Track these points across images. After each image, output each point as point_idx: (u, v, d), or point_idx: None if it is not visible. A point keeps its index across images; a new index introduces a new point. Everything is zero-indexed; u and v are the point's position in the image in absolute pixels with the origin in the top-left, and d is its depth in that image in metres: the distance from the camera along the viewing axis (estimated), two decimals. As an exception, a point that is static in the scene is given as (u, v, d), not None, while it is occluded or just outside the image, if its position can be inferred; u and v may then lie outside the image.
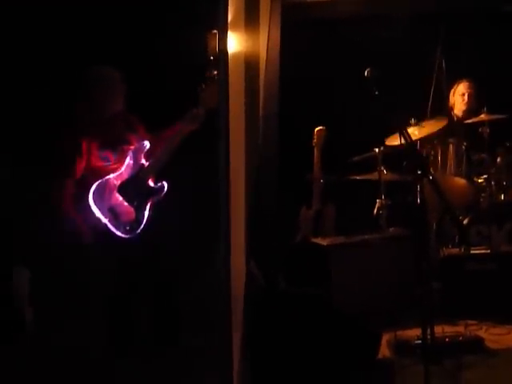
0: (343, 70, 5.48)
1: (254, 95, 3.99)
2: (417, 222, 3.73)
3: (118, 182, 3.99)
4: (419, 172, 3.63)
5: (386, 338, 4.10)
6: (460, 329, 4.35)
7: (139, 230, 3.98)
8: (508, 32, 5.66)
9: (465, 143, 5.35)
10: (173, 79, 4.81)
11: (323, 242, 5.01)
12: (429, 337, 3.59)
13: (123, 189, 4.00)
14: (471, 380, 3.69)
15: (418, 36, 5.67)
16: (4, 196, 4.75)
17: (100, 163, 3.96)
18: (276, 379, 3.59)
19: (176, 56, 4.77)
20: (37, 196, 4.48)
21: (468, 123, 5.45)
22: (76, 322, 4.44)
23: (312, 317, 3.79)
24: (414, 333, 4.04)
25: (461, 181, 5.31)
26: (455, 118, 5.71)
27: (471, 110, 5.62)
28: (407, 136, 3.65)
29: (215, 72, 3.86)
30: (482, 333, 4.33)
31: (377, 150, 5.25)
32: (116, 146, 4.02)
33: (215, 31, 3.43)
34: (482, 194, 5.27)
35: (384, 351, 4.06)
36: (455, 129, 5.52)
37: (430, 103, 5.57)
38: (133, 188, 4.03)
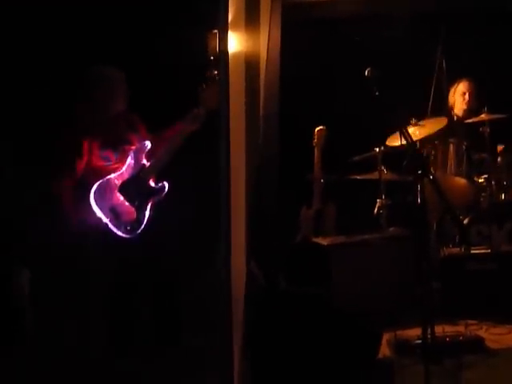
0: (344, 70, 5.48)
1: (254, 95, 3.99)
2: (417, 221, 3.73)
3: (119, 182, 3.99)
4: (420, 172, 3.62)
5: (386, 337, 4.10)
6: (460, 328, 4.35)
7: (140, 230, 3.97)
8: (508, 32, 5.65)
9: (465, 143, 5.35)
10: (173, 79, 4.81)
11: (324, 241, 5.01)
12: (429, 336, 3.59)
13: (124, 189, 4.00)
14: (471, 380, 3.69)
15: (419, 36, 5.67)
16: (4, 196, 4.74)
17: (101, 163, 3.96)
18: (277, 379, 3.59)
19: (176, 56, 4.76)
20: (37, 196, 4.48)
21: (468, 123, 5.45)
22: (76, 322, 4.43)
23: (312, 316, 3.79)
24: (414, 332, 4.04)
25: (461, 180, 5.31)
26: (455, 118, 5.71)
27: (472, 110, 5.61)
28: (408, 136, 3.65)
29: (215, 72, 3.86)
30: (482, 332, 4.33)
31: (377, 149, 5.25)
32: (117, 145, 4.02)
33: (216, 31, 3.43)
34: (483, 194, 5.26)
35: (384, 351, 4.06)
36: (456, 128, 5.52)
37: (430, 103, 5.57)
38: (134, 188, 4.03)
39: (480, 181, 5.29)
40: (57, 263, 4.59)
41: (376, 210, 5.30)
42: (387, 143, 5.13)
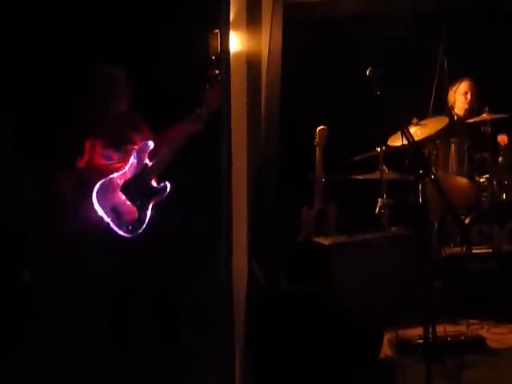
0: (345, 70, 5.48)
1: (255, 95, 3.98)
2: (419, 221, 3.74)
3: (121, 182, 4.00)
4: (421, 171, 3.63)
5: (387, 337, 4.10)
6: (462, 328, 4.35)
7: (141, 230, 3.98)
8: (510, 31, 5.65)
9: (467, 143, 5.35)
10: (174, 79, 4.81)
11: (325, 241, 5.01)
12: (430, 336, 3.60)
13: (126, 188, 4.00)
14: (473, 379, 3.69)
15: (420, 35, 5.66)
16: (4, 195, 4.74)
17: (103, 161, 3.97)
18: (278, 379, 3.59)
19: (178, 56, 4.76)
20: (37, 196, 4.48)
21: (470, 122, 5.45)
22: (76, 321, 4.43)
23: (314, 316, 3.79)
24: (415, 332, 4.04)
25: (463, 180, 5.31)
26: (456, 117, 5.70)
27: (473, 109, 5.61)
28: (409, 135, 3.65)
29: (217, 71, 3.86)
30: (483, 332, 4.33)
31: (378, 149, 5.25)
32: (120, 145, 4.03)
33: (217, 31, 3.43)
34: (484, 194, 5.26)
35: (386, 350, 4.06)
36: (457, 128, 5.51)
37: (431, 102, 5.57)
38: (136, 187, 4.03)
39: (481, 180, 5.29)
40: (58, 263, 4.59)
41: (377, 209, 5.30)
42: (389, 143, 5.12)
